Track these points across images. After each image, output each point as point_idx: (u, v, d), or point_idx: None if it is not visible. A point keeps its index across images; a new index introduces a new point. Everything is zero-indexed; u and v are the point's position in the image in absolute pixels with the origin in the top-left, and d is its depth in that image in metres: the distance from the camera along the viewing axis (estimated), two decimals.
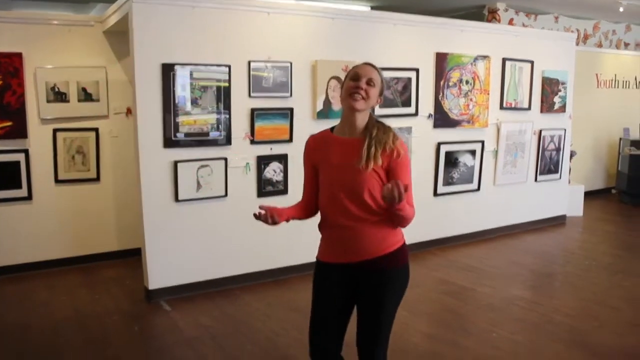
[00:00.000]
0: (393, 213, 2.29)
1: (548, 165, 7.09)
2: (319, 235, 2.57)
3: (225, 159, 4.76)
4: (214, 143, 4.70)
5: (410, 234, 6.05)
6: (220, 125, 4.70)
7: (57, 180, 5.41)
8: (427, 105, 5.85)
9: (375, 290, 2.41)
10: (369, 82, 2.37)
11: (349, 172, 2.35)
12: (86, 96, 5.43)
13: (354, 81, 2.37)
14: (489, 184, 6.52)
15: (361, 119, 2.41)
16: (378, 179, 2.34)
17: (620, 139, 9.06)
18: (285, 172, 5.05)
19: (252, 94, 4.81)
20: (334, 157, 2.41)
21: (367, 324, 2.45)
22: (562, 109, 7.06)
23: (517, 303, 4.53)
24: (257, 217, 2.34)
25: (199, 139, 4.62)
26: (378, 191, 2.31)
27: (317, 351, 2.54)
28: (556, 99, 6.96)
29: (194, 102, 4.56)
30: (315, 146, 2.52)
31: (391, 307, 2.44)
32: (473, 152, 6.26)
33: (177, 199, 4.60)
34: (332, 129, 2.53)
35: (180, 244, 4.67)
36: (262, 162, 4.95)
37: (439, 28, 5.89)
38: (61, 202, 5.45)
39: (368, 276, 2.42)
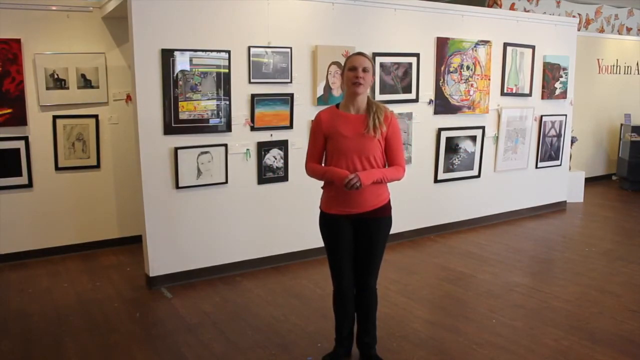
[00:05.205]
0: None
1: (549, 151, 7.08)
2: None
3: (226, 146, 4.75)
4: (214, 129, 4.69)
5: (411, 221, 6.12)
6: (220, 112, 4.68)
7: (57, 168, 5.41)
8: (427, 91, 5.82)
9: (372, 234, 3.10)
10: (365, 70, 2.98)
11: (359, 140, 2.99)
12: (85, 83, 5.41)
13: (352, 71, 2.97)
14: (490, 170, 6.51)
15: (362, 100, 3.06)
16: (379, 145, 3.03)
17: (622, 125, 9.04)
18: (285, 158, 5.04)
19: (252, 80, 4.79)
20: (345, 129, 3.02)
21: (365, 259, 3.13)
22: (563, 94, 7.03)
23: (517, 289, 4.54)
24: (351, 182, 2.89)
25: (199, 126, 4.61)
26: (379, 155, 3.04)
27: (341, 293, 3.19)
28: (557, 85, 6.93)
29: (194, 88, 4.55)
30: (328, 120, 3.08)
31: (382, 247, 3.15)
32: (474, 138, 6.25)
33: (177, 186, 4.60)
34: (337, 106, 3.13)
35: (180, 231, 4.68)
36: (263, 148, 4.94)
37: (439, 13, 5.84)
38: (62, 189, 5.46)
39: (367, 223, 3.08)
